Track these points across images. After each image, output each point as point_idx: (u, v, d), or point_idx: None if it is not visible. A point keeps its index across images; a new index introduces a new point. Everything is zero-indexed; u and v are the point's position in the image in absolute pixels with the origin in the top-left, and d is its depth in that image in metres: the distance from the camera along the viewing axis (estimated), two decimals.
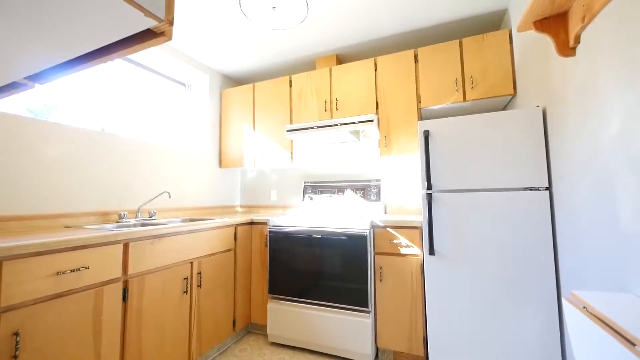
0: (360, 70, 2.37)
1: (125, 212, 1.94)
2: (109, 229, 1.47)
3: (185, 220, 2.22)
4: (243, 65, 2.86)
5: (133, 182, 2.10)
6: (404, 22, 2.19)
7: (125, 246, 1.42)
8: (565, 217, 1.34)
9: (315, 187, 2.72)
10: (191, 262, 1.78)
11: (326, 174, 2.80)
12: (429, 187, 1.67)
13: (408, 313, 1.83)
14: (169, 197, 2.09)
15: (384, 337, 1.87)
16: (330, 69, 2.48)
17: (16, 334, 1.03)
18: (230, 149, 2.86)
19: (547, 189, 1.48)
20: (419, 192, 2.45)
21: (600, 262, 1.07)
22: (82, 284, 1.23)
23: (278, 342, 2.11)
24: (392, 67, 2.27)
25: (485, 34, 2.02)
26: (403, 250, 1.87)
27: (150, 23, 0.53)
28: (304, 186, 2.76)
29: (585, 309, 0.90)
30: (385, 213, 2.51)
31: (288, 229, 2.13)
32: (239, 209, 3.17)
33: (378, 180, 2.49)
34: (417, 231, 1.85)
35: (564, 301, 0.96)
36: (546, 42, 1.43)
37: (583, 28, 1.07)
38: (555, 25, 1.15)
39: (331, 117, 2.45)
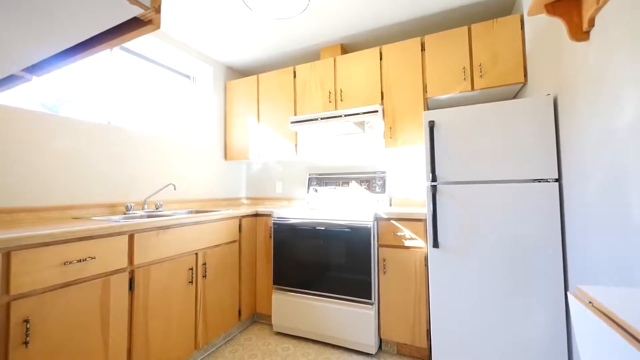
0: (365, 59, 2.32)
1: (132, 204, 1.97)
2: (115, 221, 1.50)
3: (190, 212, 2.24)
4: (247, 57, 2.83)
5: (139, 174, 2.13)
6: (411, 8, 2.12)
7: (131, 237, 1.44)
8: (574, 209, 1.30)
9: (319, 179, 2.70)
10: (196, 253, 1.80)
11: (331, 165, 2.79)
12: (434, 179, 1.64)
13: (412, 305, 1.82)
14: (174, 189, 2.11)
15: (387, 328, 1.87)
16: (335, 59, 2.43)
17: (26, 321, 1.07)
18: (235, 141, 2.87)
19: (556, 180, 1.43)
20: (425, 184, 2.41)
21: (610, 256, 1.04)
22: (89, 273, 1.26)
23: (283, 332, 2.14)
24: (397, 56, 2.22)
25: (495, 20, 1.94)
26: (407, 243, 1.85)
27: (136, 11, 0.52)
28: (309, 178, 2.75)
29: (591, 304, 0.88)
30: (391, 205, 2.49)
31: (292, 221, 2.14)
32: (245, 201, 3.19)
33: (383, 172, 2.46)
34: (421, 223, 1.82)
35: (569, 295, 0.94)
36: (559, 26, 1.36)
37: (598, 10, 1.01)
38: (568, 7, 1.09)
39: (335, 108, 2.41)
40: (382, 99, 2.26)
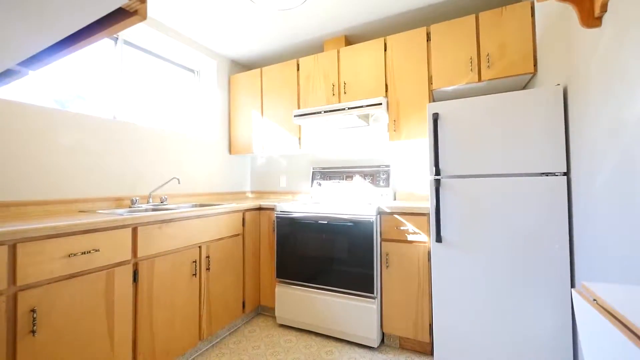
0: (369, 51, 2.28)
1: (137, 198, 2.00)
2: (119, 214, 1.52)
3: (195, 206, 2.27)
4: (251, 50, 2.81)
5: (144, 168, 2.15)
6: None
7: (134, 230, 1.47)
8: (583, 204, 1.25)
9: (323, 173, 2.69)
10: (199, 246, 1.82)
11: (335, 159, 2.77)
12: (437, 173, 1.61)
13: (414, 299, 1.81)
14: (179, 183, 2.13)
15: (389, 322, 1.87)
16: (338, 51, 2.39)
17: (33, 310, 1.10)
18: (240, 135, 2.87)
19: (564, 174, 1.39)
20: (423, 177, 2.37)
21: (620, 253, 1.00)
22: (93, 265, 1.29)
23: (286, 324, 2.16)
24: (402, 46, 2.16)
25: (504, 7, 1.87)
26: (410, 237, 1.83)
27: (121, 1, 0.51)
28: (313, 172, 2.74)
29: (595, 301, 0.85)
30: (395, 199, 2.46)
31: (295, 215, 2.14)
32: (250, 195, 3.21)
33: (387, 166, 2.43)
34: (425, 218, 1.80)
35: (573, 292, 0.91)
36: (570, 13, 1.30)
37: None
38: None
39: (339, 101, 2.38)
40: (386, 91, 2.22)
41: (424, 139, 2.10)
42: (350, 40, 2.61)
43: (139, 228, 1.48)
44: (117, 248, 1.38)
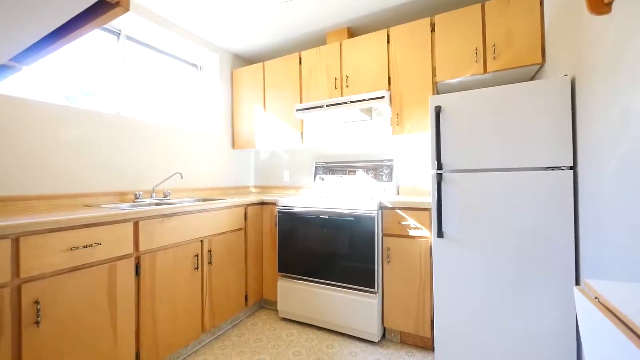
0: (371, 43, 2.23)
1: (141, 192, 2.02)
2: (122, 208, 1.54)
3: (197, 200, 2.28)
4: (253, 43, 2.79)
5: (147, 163, 2.17)
6: None
7: (136, 224, 1.48)
8: (590, 199, 1.21)
9: (326, 168, 2.68)
10: (201, 240, 1.84)
11: (338, 154, 2.75)
12: (439, 167, 1.58)
13: (415, 295, 1.80)
14: (181, 177, 2.14)
15: (390, 317, 1.86)
16: (341, 44, 2.36)
17: (37, 302, 1.13)
18: (243, 130, 2.87)
19: (571, 168, 1.34)
20: (426, 172, 2.33)
21: (627, 250, 0.97)
22: (95, 258, 1.31)
23: (288, 317, 2.18)
24: (406, 38, 2.11)
25: None
26: (412, 232, 1.81)
27: None
28: (315, 167, 2.73)
29: (597, 299, 0.82)
30: (398, 194, 2.44)
31: (296, 210, 2.13)
32: (253, 190, 3.22)
33: (390, 160, 2.40)
34: (426, 213, 1.78)
35: (574, 290, 0.88)
36: (579, 0, 1.24)
37: None
38: None
39: (341, 95, 2.35)
40: (389, 84, 2.18)
41: (427, 133, 2.06)
42: (353, 32, 2.56)
43: (140, 222, 1.49)
44: (118, 242, 1.40)
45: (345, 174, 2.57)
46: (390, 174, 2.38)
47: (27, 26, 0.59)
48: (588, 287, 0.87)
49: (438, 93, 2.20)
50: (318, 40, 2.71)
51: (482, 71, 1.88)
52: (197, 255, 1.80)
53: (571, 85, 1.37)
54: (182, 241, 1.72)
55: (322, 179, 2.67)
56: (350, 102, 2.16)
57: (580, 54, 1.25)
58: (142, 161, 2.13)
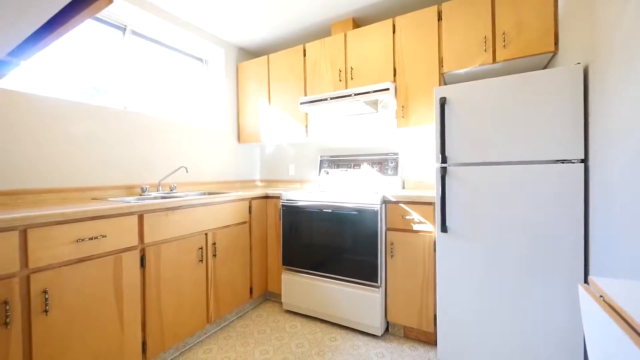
0: (376, 34, 2.18)
1: (147, 186, 2.06)
2: (127, 201, 1.58)
3: (202, 194, 2.31)
4: (257, 37, 2.77)
5: (154, 157, 2.20)
6: None
7: (140, 217, 1.51)
8: (601, 193, 1.16)
9: (331, 162, 2.66)
10: (206, 233, 1.86)
11: (342, 147, 2.72)
12: (444, 161, 1.54)
13: (419, 289, 1.78)
14: (186, 171, 2.17)
15: (394, 311, 1.85)
16: (345, 35, 2.31)
17: (45, 292, 1.17)
18: (248, 123, 2.87)
19: (582, 161, 1.29)
20: (432, 166, 2.28)
21: (639, 246, 0.92)
22: (101, 250, 1.34)
23: (292, 310, 2.20)
24: (412, 28, 2.06)
25: None
26: (416, 227, 1.79)
27: None
28: (320, 160, 2.72)
29: (602, 298, 0.79)
30: (404, 188, 2.41)
31: (300, 203, 2.13)
32: (259, 184, 3.24)
33: (396, 154, 2.37)
34: (431, 207, 1.74)
35: (579, 288, 0.85)
36: None
37: None
38: None
39: (346, 87, 2.32)
40: (394, 75, 2.13)
41: (433, 125, 2.01)
42: (358, 22, 2.51)
43: (145, 215, 1.52)
44: (123, 234, 1.43)
45: (351, 167, 2.55)
46: (395, 168, 2.35)
47: (19, 20, 0.60)
48: (593, 285, 0.84)
49: (445, 84, 2.14)
50: (323, 31, 2.67)
51: (492, 60, 1.81)
52: (201, 248, 1.82)
53: (584, 74, 1.30)
54: (187, 234, 1.74)
55: (327, 173, 2.65)
56: (355, 94, 2.13)
57: (594, 40, 1.19)
58: (148, 155, 2.16)
